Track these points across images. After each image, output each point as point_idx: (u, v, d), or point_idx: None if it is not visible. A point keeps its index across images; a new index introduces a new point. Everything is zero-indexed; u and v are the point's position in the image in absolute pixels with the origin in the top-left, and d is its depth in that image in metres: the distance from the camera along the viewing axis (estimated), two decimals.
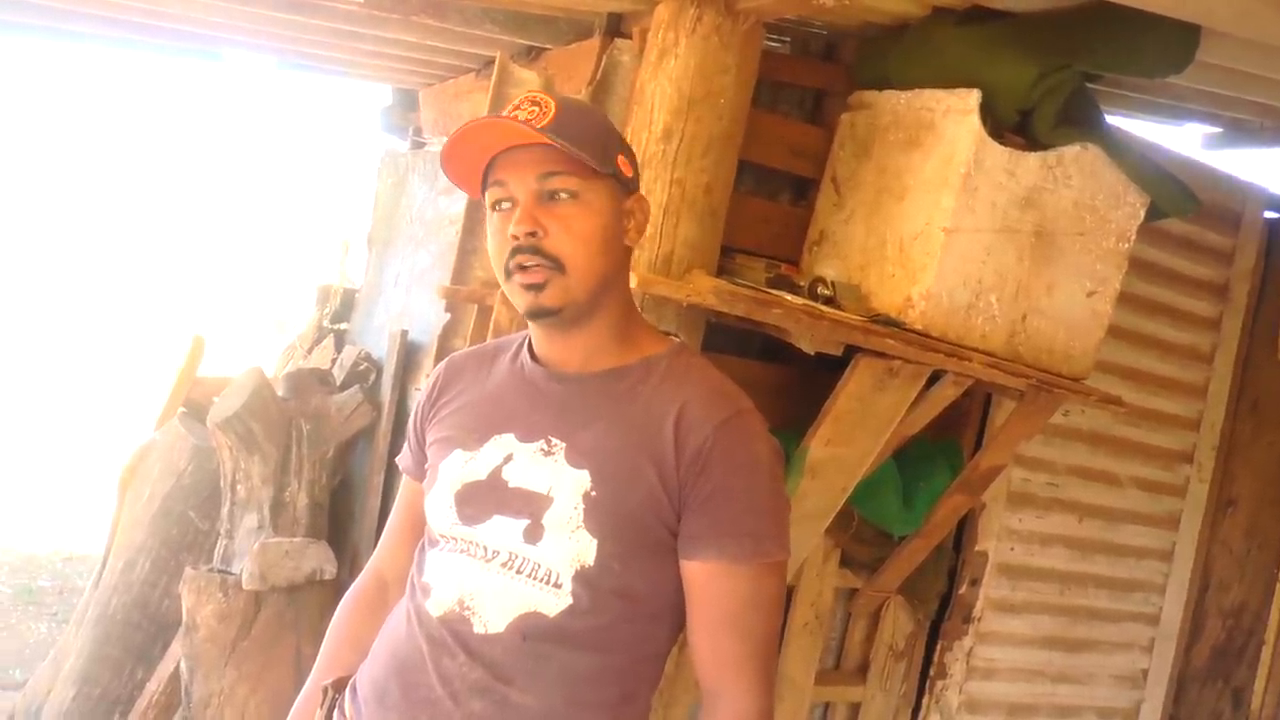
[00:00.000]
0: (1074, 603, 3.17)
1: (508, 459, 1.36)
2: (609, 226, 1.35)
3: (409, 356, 3.31)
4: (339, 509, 3.36)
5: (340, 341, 4.06)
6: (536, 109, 1.31)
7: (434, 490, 1.42)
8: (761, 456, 1.33)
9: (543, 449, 1.35)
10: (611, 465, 1.31)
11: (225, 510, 3.24)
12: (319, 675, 1.57)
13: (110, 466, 4.55)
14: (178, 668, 3.13)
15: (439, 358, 2.66)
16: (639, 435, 1.32)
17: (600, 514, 1.30)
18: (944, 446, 2.63)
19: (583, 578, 1.30)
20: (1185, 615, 3.43)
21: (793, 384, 2.46)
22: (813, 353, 2.10)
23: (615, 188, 1.36)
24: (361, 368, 3.51)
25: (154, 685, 3.27)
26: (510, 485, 1.35)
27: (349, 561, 3.20)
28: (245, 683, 3.00)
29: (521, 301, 1.33)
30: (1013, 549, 3.01)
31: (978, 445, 2.72)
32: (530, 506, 1.32)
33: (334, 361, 3.80)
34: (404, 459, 1.58)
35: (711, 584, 1.31)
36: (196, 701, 3.01)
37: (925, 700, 2.94)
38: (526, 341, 1.47)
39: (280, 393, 3.31)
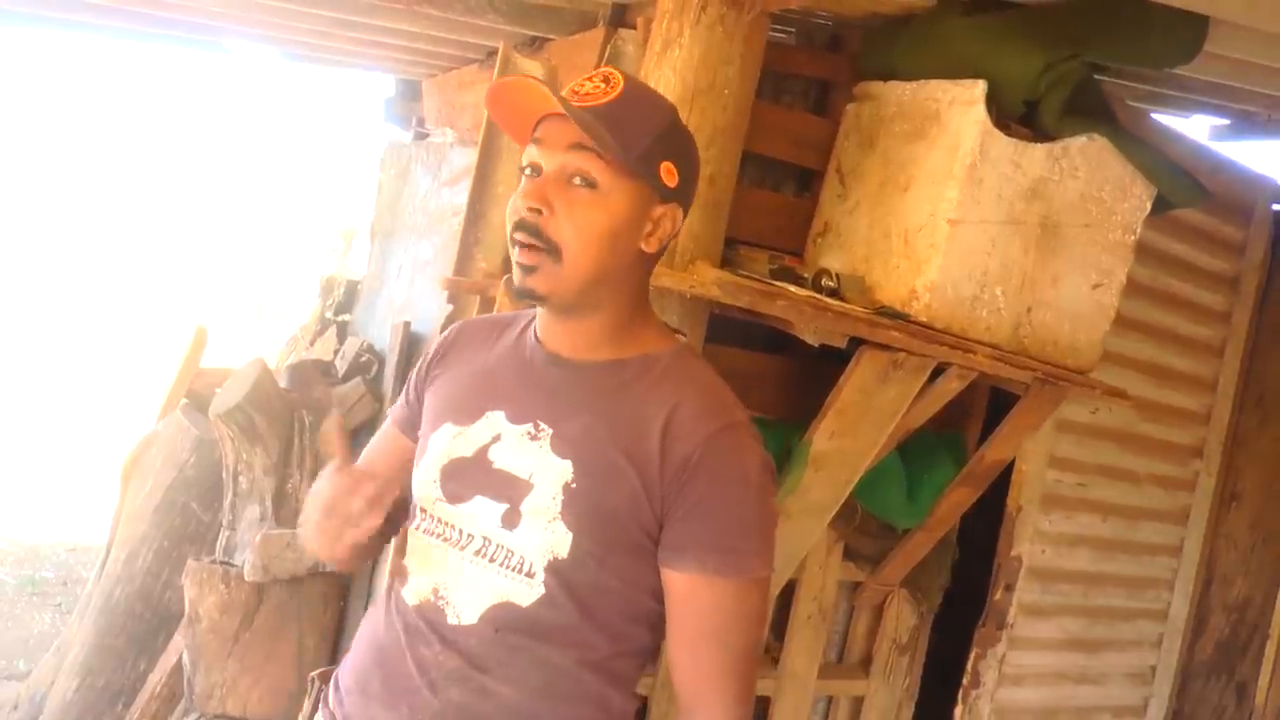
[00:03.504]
0: (1096, 603, 3.16)
1: (495, 439, 1.34)
2: (622, 227, 1.29)
3: (411, 348, 3.31)
4: None
5: (343, 333, 4.05)
6: (603, 86, 1.27)
7: (422, 463, 1.40)
8: (750, 471, 1.29)
9: (530, 433, 1.32)
10: (595, 459, 1.29)
11: (227, 501, 3.24)
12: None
13: (113, 458, 4.55)
14: (180, 659, 3.13)
15: None
16: (625, 433, 1.29)
17: (578, 507, 1.27)
18: (948, 439, 2.62)
19: (555, 569, 1.27)
20: (1190, 610, 3.42)
21: (796, 376, 2.45)
22: (816, 345, 2.09)
23: (646, 191, 1.30)
24: (364, 359, 3.51)
25: (157, 676, 3.28)
26: (494, 466, 1.32)
27: None
28: (248, 674, 3.00)
29: (514, 277, 1.30)
30: (1044, 551, 2.98)
31: (982, 438, 2.71)
32: (510, 490, 1.30)
33: (336, 353, 3.79)
34: (397, 410, 1.55)
35: (692, 596, 1.29)
36: (199, 693, 3.01)
37: (958, 711, 2.91)
38: (535, 320, 1.43)
39: (282, 384, 3.30)
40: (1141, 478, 3.18)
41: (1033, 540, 2.94)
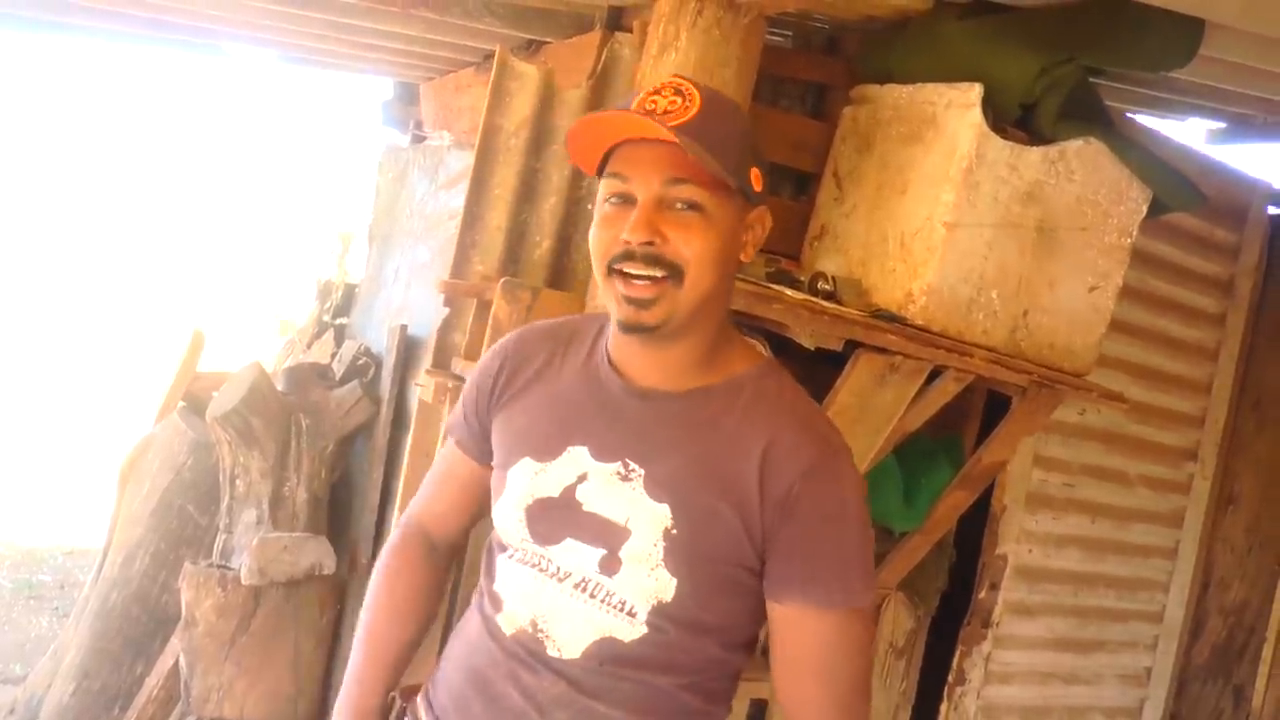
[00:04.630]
0: (1086, 603, 3.17)
1: (582, 478, 1.30)
2: (729, 243, 1.26)
3: (408, 351, 3.30)
4: (338, 504, 3.35)
5: (340, 336, 4.05)
6: (679, 99, 1.21)
7: (502, 500, 1.35)
8: (850, 502, 1.27)
9: (619, 473, 1.28)
10: (692, 501, 1.25)
11: (224, 505, 3.24)
12: (382, 634, 1.47)
13: (110, 461, 4.55)
14: (177, 662, 3.13)
15: (438, 352, 2.65)
16: (722, 472, 1.26)
17: (680, 553, 1.25)
18: (945, 443, 2.62)
19: (659, 611, 1.26)
20: (1187, 613, 3.42)
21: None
22: (813, 348, 2.09)
23: (740, 202, 1.26)
24: (361, 362, 3.50)
25: (153, 680, 3.27)
26: (585, 509, 1.29)
27: (347, 556, 3.19)
28: (244, 677, 2.99)
29: (618, 312, 1.25)
30: (1030, 551, 3.00)
31: (979, 441, 2.71)
32: (606, 536, 1.27)
33: (334, 356, 3.79)
34: (457, 428, 1.48)
35: (796, 627, 1.28)
36: (195, 696, 3.01)
37: (944, 707, 2.92)
38: (604, 337, 1.37)
39: (280, 387, 3.30)
40: (1132, 479, 3.19)
41: (1018, 539, 2.96)
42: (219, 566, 3.09)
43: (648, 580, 1.25)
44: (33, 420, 8.61)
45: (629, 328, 1.25)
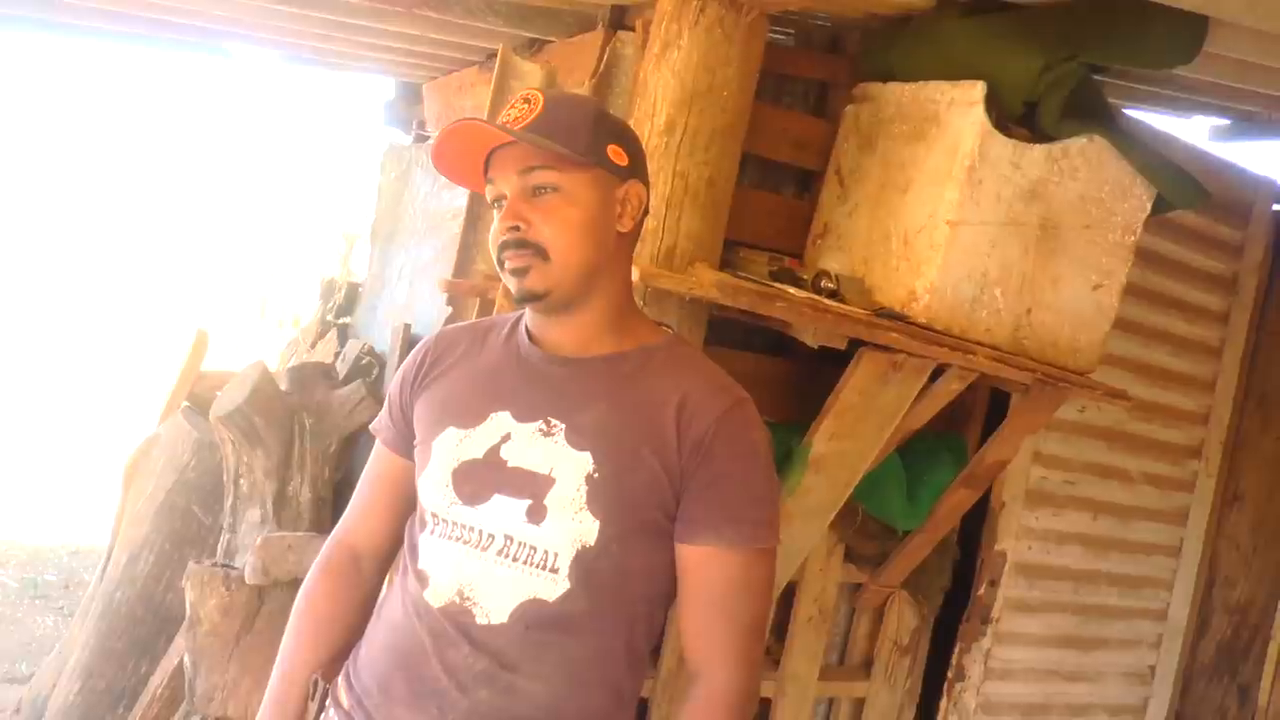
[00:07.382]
0: (1087, 601, 3.15)
1: (505, 438, 1.37)
2: (595, 215, 1.37)
3: (412, 350, 3.30)
4: (342, 503, 3.35)
5: (343, 335, 4.06)
6: (526, 106, 1.35)
7: (428, 469, 1.42)
8: (759, 446, 1.37)
9: (541, 429, 1.36)
10: (613, 448, 1.33)
11: (228, 504, 3.24)
12: (297, 656, 1.53)
13: (115, 460, 4.56)
14: (181, 662, 3.13)
15: None
16: (640, 419, 1.34)
17: (603, 495, 1.32)
18: (948, 441, 2.62)
19: (581, 559, 1.32)
20: (1192, 611, 3.42)
21: (796, 378, 2.45)
22: (816, 346, 2.09)
23: (604, 176, 1.38)
24: (364, 361, 3.51)
25: (158, 679, 3.28)
26: (509, 465, 1.36)
27: None
28: (248, 677, 3.00)
29: (511, 287, 1.37)
30: (1030, 548, 2.99)
31: (982, 439, 2.71)
32: (532, 487, 1.34)
33: (337, 355, 3.80)
34: (382, 428, 1.57)
35: (705, 567, 1.35)
36: (200, 695, 3.01)
37: (943, 704, 2.92)
38: (522, 322, 1.47)
39: (283, 387, 3.30)
40: (1134, 477, 3.17)
41: (1018, 536, 2.95)
42: (223, 566, 3.09)
43: (571, 524, 1.31)
44: (37, 420, 8.63)
45: (522, 298, 1.37)
